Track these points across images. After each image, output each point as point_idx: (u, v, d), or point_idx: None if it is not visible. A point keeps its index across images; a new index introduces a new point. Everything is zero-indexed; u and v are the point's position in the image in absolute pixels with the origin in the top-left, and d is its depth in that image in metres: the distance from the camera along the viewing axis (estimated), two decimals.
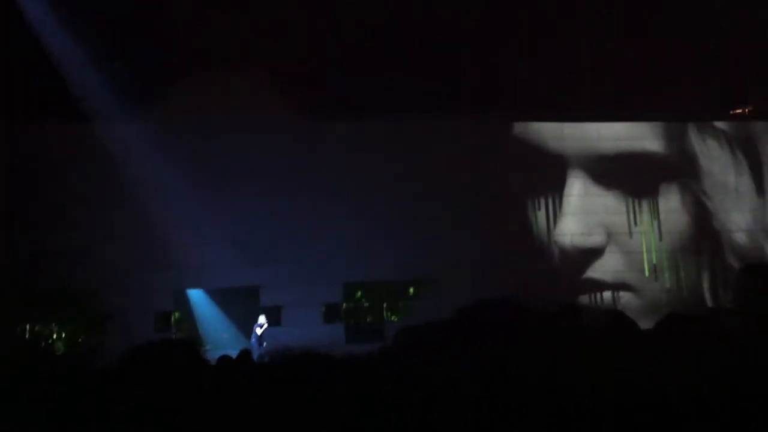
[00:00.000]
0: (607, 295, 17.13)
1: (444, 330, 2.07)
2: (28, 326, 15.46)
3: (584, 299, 16.73)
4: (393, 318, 17.09)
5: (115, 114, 14.99)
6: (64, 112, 14.66)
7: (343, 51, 14.80)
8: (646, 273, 17.74)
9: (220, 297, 17.56)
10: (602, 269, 17.37)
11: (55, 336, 15.73)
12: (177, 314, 17.32)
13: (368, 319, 17.18)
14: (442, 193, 16.25)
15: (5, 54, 12.99)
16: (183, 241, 15.10)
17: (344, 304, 16.88)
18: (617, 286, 17.31)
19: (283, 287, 15.73)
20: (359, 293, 17.36)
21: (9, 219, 14.62)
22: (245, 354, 7.77)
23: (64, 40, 14.69)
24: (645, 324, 3.28)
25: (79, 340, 15.60)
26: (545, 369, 1.92)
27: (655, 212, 18.04)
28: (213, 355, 8.44)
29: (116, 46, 13.99)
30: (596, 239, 17.53)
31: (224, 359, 5.74)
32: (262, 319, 15.61)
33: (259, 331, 15.48)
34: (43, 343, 15.36)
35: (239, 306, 16.83)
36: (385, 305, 17.45)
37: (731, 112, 19.25)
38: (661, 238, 17.97)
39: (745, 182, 18.74)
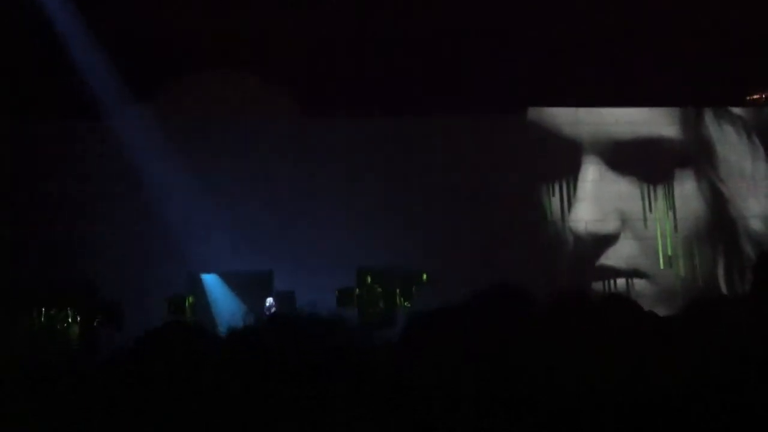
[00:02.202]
0: (620, 282, 17.02)
1: (450, 318, 2.03)
2: (35, 318, 15.53)
3: (598, 286, 16.63)
4: (406, 304, 17.08)
5: (119, 107, 15.04)
6: (67, 108, 14.71)
7: (345, 50, 14.75)
8: (661, 260, 17.62)
9: (234, 282, 17.61)
10: (616, 256, 17.26)
11: (67, 324, 15.80)
12: (191, 299, 17.39)
13: (381, 305, 17.15)
14: (457, 179, 16.20)
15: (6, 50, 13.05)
16: (195, 225, 15.17)
17: (357, 290, 16.88)
18: (631, 274, 17.20)
19: (296, 272, 15.74)
20: (372, 279, 17.34)
21: (18, 211, 14.74)
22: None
23: (69, 36, 14.69)
24: (660, 312, 3.24)
25: (95, 324, 15.67)
26: (550, 362, 1.88)
27: (670, 199, 17.89)
28: None
29: (117, 41, 14.00)
30: (611, 226, 17.41)
31: None
32: (269, 301, 15.68)
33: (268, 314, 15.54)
34: (57, 333, 15.44)
35: (253, 291, 16.88)
36: (398, 291, 17.43)
37: (748, 98, 19.01)
38: (676, 225, 17.83)
39: (762, 168, 18.53)
